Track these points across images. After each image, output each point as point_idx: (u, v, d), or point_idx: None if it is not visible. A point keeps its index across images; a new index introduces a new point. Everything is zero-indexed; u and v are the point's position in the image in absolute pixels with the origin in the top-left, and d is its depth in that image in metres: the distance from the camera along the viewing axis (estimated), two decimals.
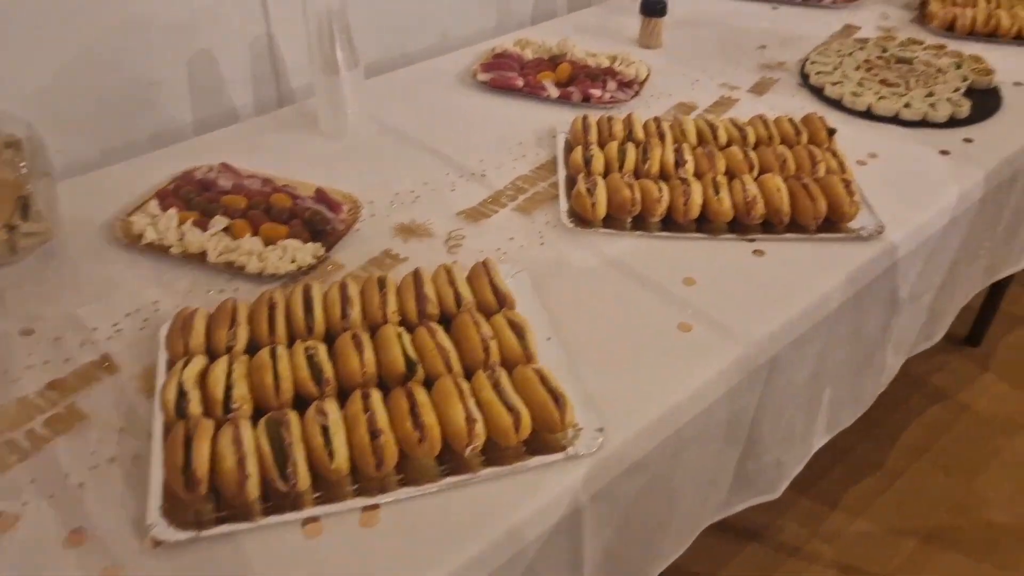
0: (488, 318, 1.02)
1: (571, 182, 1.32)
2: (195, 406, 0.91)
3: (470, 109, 1.58)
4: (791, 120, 1.42)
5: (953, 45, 1.78)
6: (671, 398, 0.98)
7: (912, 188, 1.35)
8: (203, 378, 0.94)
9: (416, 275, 1.08)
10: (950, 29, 1.83)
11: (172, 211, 1.23)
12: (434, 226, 1.25)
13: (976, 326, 2.38)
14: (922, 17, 1.91)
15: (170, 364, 0.99)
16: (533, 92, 1.60)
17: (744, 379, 1.06)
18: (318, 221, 1.23)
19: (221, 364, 0.95)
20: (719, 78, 1.68)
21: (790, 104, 1.58)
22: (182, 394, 0.92)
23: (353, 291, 1.05)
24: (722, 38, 1.86)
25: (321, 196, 1.28)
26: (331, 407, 0.90)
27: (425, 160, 1.42)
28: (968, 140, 1.47)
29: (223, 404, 0.92)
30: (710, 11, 2.00)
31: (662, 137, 1.39)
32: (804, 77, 1.66)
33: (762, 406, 1.15)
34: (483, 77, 1.64)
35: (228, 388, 0.93)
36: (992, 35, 1.81)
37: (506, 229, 1.25)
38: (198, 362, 0.96)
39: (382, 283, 1.07)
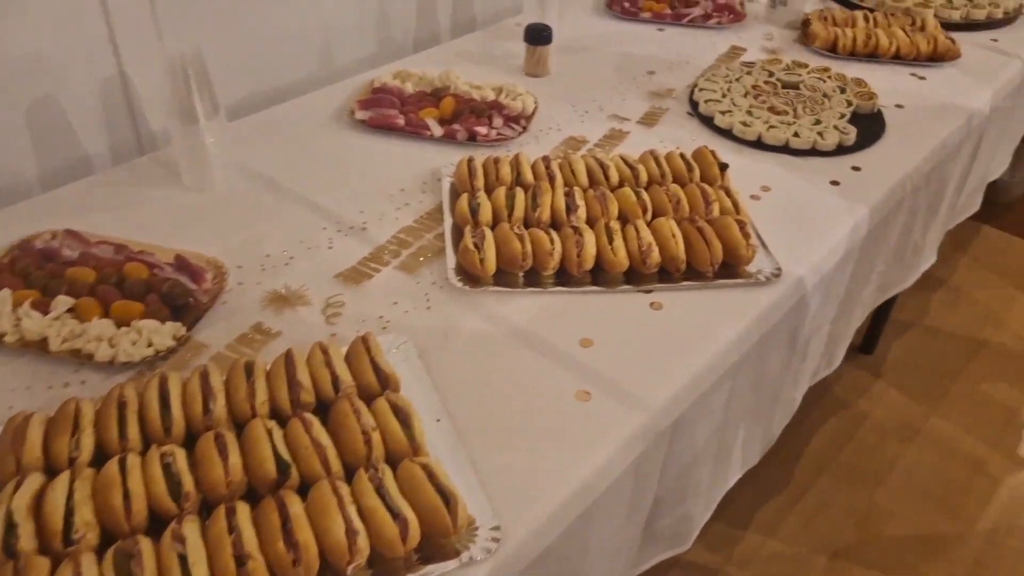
0: (370, 403, 0.93)
1: (458, 233, 1.24)
2: (27, 540, 0.79)
3: (348, 151, 1.47)
4: (683, 155, 1.38)
5: (836, 65, 1.78)
6: (572, 480, 0.91)
7: (806, 224, 1.33)
8: (39, 502, 0.82)
9: (288, 357, 0.97)
10: (832, 50, 1.83)
11: (6, 292, 1.08)
12: (310, 292, 1.15)
13: (869, 334, 2.42)
14: (805, 37, 1.91)
15: None
16: (415, 131, 1.50)
17: (649, 446, 1.00)
18: (178, 295, 1.10)
19: (60, 484, 0.83)
20: (609, 108, 1.63)
21: (680, 135, 1.55)
22: (11, 527, 0.79)
23: (216, 381, 0.94)
24: (610, 63, 1.81)
25: (182, 263, 1.15)
26: (190, 529, 0.79)
27: (299, 213, 1.30)
28: (856, 168, 1.47)
29: (63, 535, 0.79)
30: (597, 33, 1.95)
31: (552, 179, 1.32)
32: (694, 105, 1.62)
33: (668, 466, 1.10)
34: (361, 115, 1.54)
35: (69, 513, 0.81)
36: (872, 55, 1.82)
37: (389, 292, 1.15)
38: (32, 483, 0.83)
39: (249, 369, 0.96)
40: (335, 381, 0.95)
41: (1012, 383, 2.44)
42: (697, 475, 1.21)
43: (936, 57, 1.81)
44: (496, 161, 1.35)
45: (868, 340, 2.44)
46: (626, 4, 2.03)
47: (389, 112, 1.54)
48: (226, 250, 1.20)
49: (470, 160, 1.35)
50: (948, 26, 1.95)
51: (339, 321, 1.10)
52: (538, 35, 1.70)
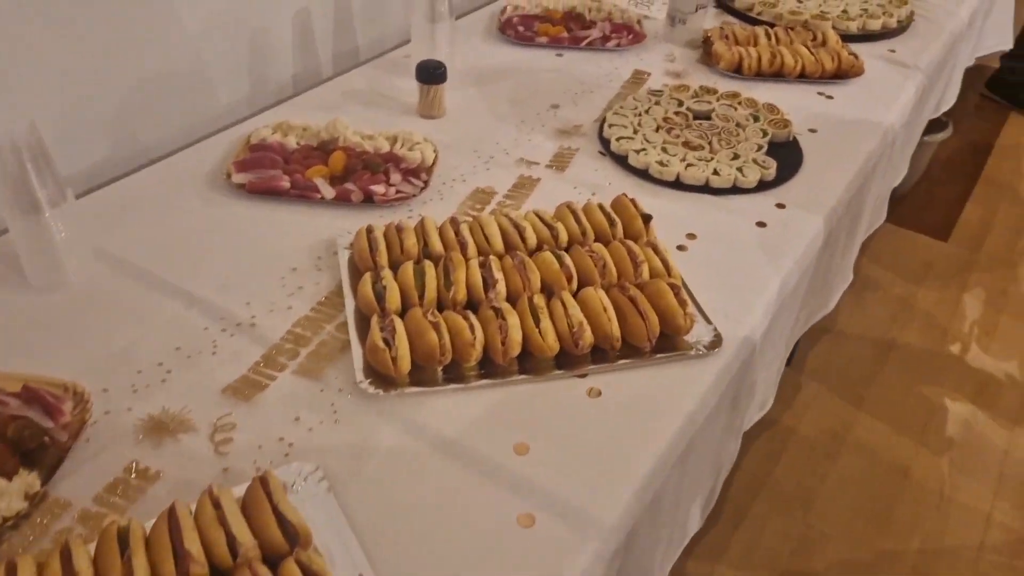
0: (277, 569, 0.77)
1: (363, 321, 1.09)
2: None
3: (226, 224, 1.29)
4: (602, 207, 1.27)
5: (742, 87, 1.71)
6: None
7: (738, 275, 1.24)
8: None
9: (172, 518, 0.80)
10: (737, 70, 1.76)
11: None
12: (194, 415, 0.97)
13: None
14: (708, 57, 1.83)
15: None
16: (303, 195, 1.34)
17: (604, 568, 0.88)
18: (29, 437, 0.91)
19: None
20: (515, 152, 1.50)
21: (595, 179, 1.44)
22: None
23: (82, 561, 0.77)
24: (510, 97, 1.68)
25: (31, 395, 0.95)
26: None
27: (174, 311, 1.12)
28: (781, 206, 1.39)
29: None
30: (492, 63, 1.82)
31: (463, 247, 1.19)
32: (604, 143, 1.51)
33: (624, 569, 0.99)
34: (239, 179, 1.36)
35: None
36: (778, 74, 1.76)
37: (289, 404, 0.99)
38: None
39: (124, 539, 0.79)
40: (232, 543, 0.79)
41: (927, 380, 2.47)
42: (651, 564, 1.11)
43: (840, 74, 1.76)
44: (399, 229, 1.20)
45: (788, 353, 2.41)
46: (520, 28, 1.91)
47: (271, 173, 1.36)
48: (87, 368, 1.01)
49: (369, 231, 1.20)
50: (846, 38, 1.91)
51: (231, 449, 0.94)
52: (431, 74, 1.55)
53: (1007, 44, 2.90)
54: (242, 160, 1.39)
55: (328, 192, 1.34)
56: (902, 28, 2.01)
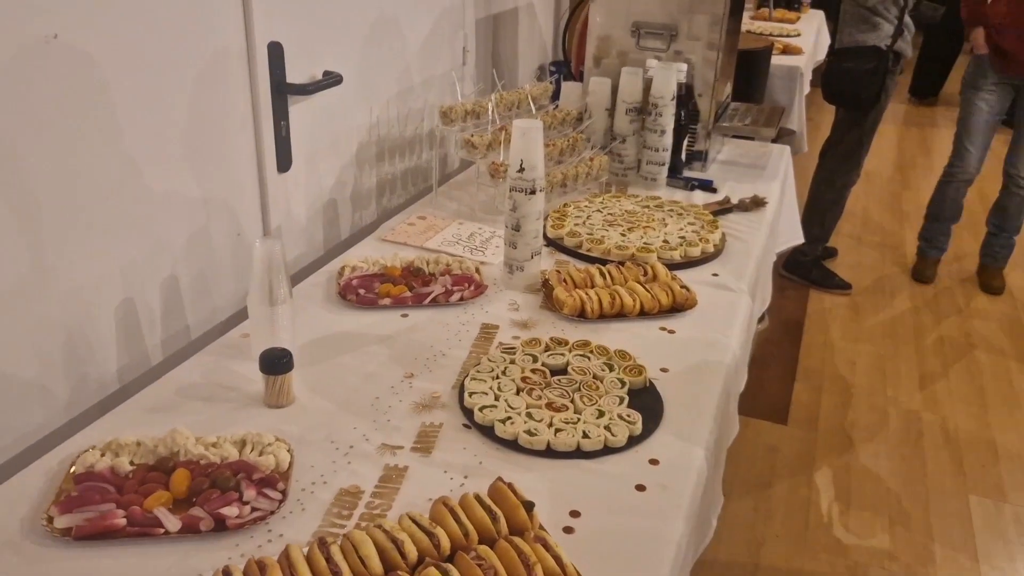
0: None
1: None
2: None
3: None
4: (480, 499, 1.20)
5: (589, 330, 1.75)
6: None
7: (632, 554, 1.19)
8: None
9: None
10: (581, 314, 1.81)
11: None
12: None
13: None
14: (549, 301, 1.87)
15: None
16: (143, 531, 1.17)
17: None
18: None
19: None
20: (375, 436, 1.42)
21: (464, 459, 1.37)
22: None
23: None
24: (361, 371, 1.61)
25: None
26: None
27: None
28: (654, 462, 1.38)
29: None
30: (335, 332, 1.75)
31: None
32: (467, 413, 1.47)
33: None
34: (63, 522, 1.18)
35: None
36: (620, 314, 1.82)
37: None
38: None
39: None
40: None
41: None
42: None
43: (676, 307, 1.85)
44: (262, 567, 1.07)
45: None
46: (361, 291, 1.88)
47: (103, 509, 1.19)
48: None
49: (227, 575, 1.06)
50: (671, 266, 2.03)
51: None
52: (276, 363, 1.46)
53: (799, 239, 3.22)
54: (66, 498, 1.21)
55: (172, 524, 1.18)
56: (719, 251, 2.17)
